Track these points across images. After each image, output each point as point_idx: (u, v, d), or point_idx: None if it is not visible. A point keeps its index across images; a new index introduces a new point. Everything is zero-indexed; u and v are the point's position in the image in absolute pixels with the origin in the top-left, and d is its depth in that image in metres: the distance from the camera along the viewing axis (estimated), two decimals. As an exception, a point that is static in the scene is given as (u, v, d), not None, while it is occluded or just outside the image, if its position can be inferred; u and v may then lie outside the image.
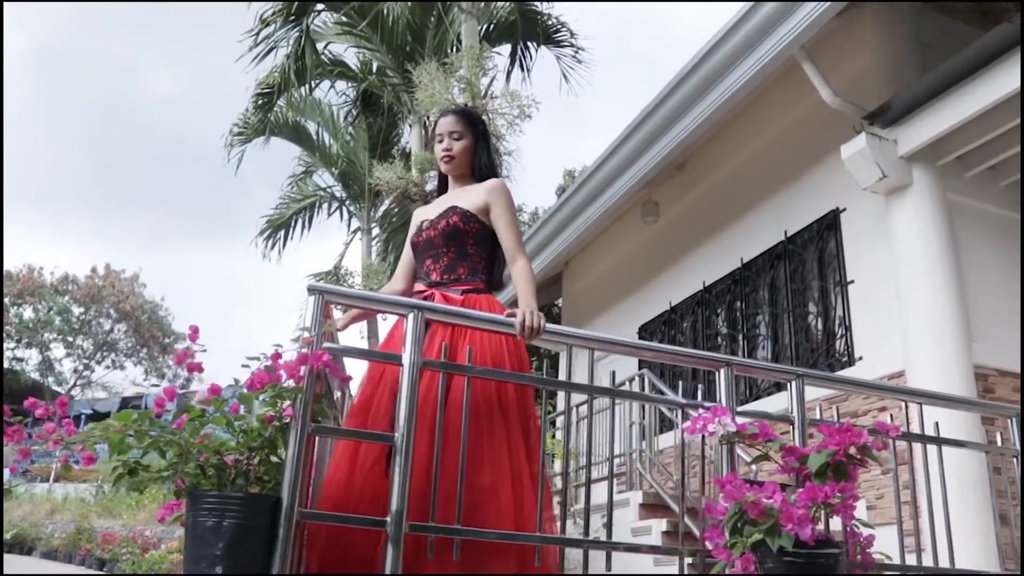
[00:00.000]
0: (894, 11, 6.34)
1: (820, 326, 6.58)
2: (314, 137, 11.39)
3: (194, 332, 2.01)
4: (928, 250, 5.47)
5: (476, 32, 6.60)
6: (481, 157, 2.81)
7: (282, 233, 11.92)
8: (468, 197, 2.71)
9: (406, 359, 2.03)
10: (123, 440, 1.74)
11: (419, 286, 2.62)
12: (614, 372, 2.54)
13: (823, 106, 6.28)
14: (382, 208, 11.41)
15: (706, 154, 8.22)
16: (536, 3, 8.28)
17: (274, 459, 1.98)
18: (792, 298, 6.91)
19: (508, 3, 8.32)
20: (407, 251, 2.83)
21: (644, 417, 6.05)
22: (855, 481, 2.14)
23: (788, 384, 2.45)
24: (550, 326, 2.29)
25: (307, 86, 8.71)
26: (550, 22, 8.54)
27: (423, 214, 2.81)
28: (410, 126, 8.70)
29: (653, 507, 5.78)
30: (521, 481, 2.21)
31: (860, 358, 5.98)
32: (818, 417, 2.51)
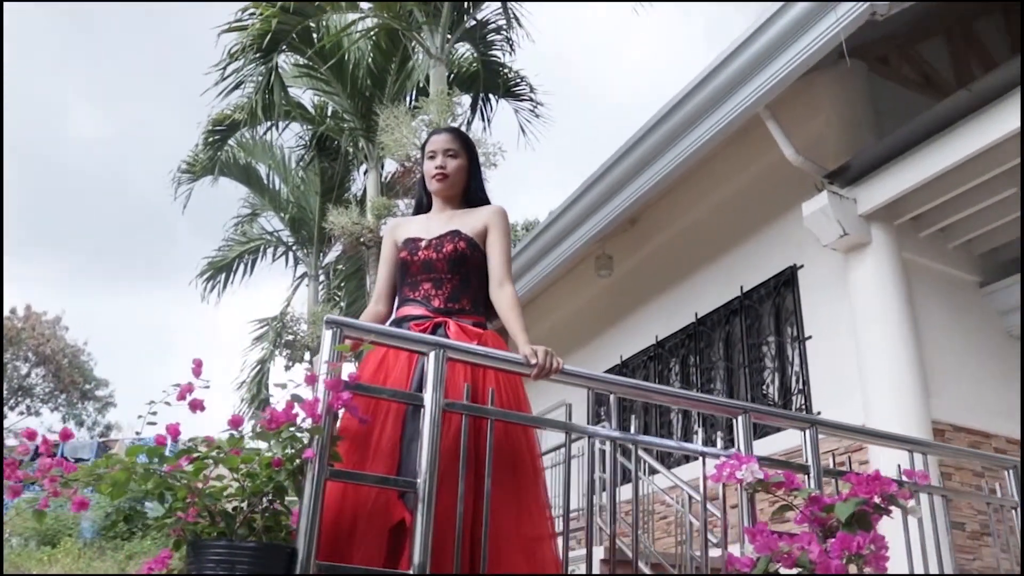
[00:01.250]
0: (848, 78, 6.56)
1: (777, 381, 6.63)
2: (264, 180, 11.17)
3: (197, 366, 1.85)
4: (887, 307, 5.58)
5: (444, 77, 6.59)
6: (474, 180, 2.70)
7: (223, 276, 11.58)
8: (468, 222, 2.58)
9: (428, 400, 1.90)
10: (129, 479, 1.56)
11: (416, 310, 2.44)
12: (633, 418, 2.45)
13: (779, 165, 6.43)
14: (331, 254, 11.21)
15: (660, 209, 8.30)
16: (498, 52, 8.34)
17: (276, 506, 1.83)
18: (748, 353, 6.96)
19: (471, 53, 8.37)
20: (387, 271, 2.63)
21: (604, 469, 5.94)
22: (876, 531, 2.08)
23: (803, 432, 2.42)
24: (567, 367, 2.21)
25: (274, 124, 8.51)
26: (510, 75, 8.61)
27: (409, 230, 2.62)
28: (366, 172, 8.59)
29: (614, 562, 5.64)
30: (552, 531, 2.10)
31: (819, 413, 6.02)
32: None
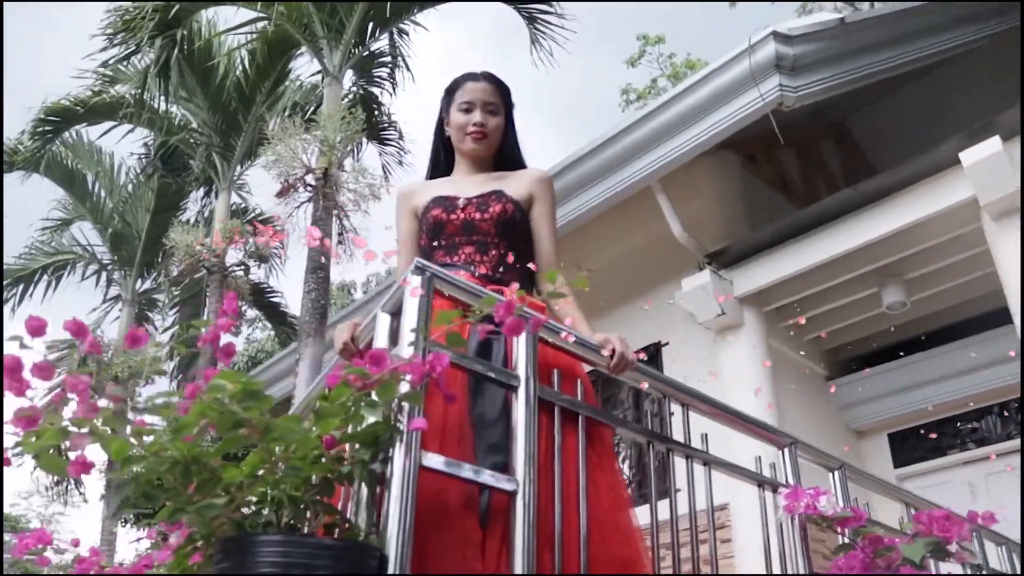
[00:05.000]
0: (723, 168, 6.86)
1: (633, 457, 6.56)
2: (90, 187, 9.86)
3: (232, 300, 1.40)
4: (755, 388, 5.70)
5: (339, 96, 6.15)
6: (509, 139, 2.30)
7: (21, 288, 10.01)
8: (511, 185, 2.19)
9: (523, 384, 1.53)
10: (196, 424, 1.05)
11: (456, 275, 1.90)
12: (705, 434, 2.20)
13: (652, 243, 6.54)
14: (149, 281, 10.06)
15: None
16: (379, 89, 8.01)
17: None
18: (604, 426, 6.86)
19: (356, 89, 7.95)
20: (412, 249, 2.21)
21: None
22: None
23: (832, 472, 2.30)
24: (642, 367, 1.94)
25: (126, 118, 7.47)
26: (382, 118, 8.27)
27: (434, 190, 2.21)
28: (207, 193, 7.84)
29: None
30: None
31: (679, 490, 5.97)
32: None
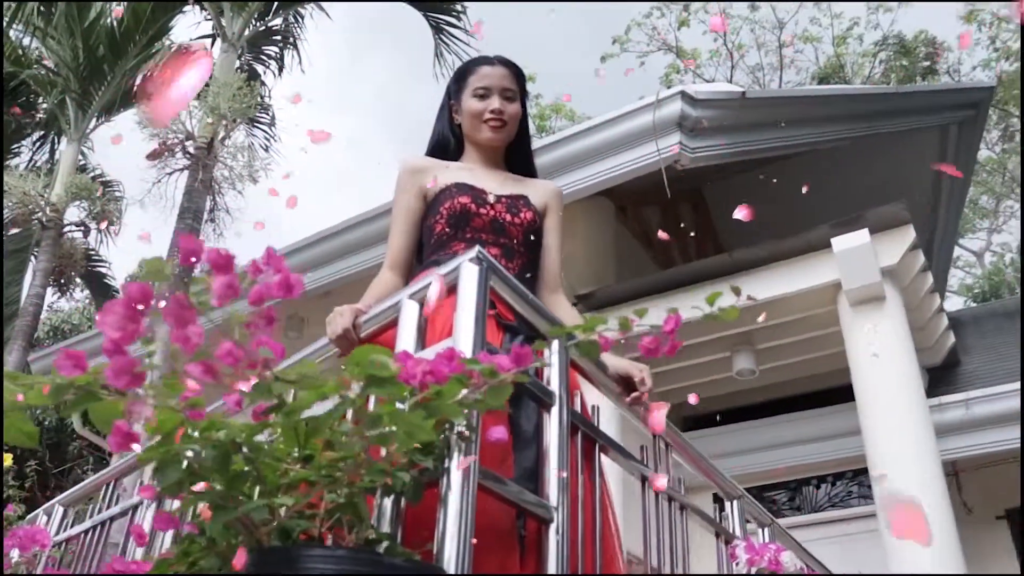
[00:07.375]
0: (599, 213, 7.02)
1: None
2: None
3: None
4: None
5: (233, 66, 5.69)
6: (524, 129, 2.15)
7: None
8: (533, 193, 2.06)
9: (556, 402, 1.42)
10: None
11: None
12: (681, 478, 2.13)
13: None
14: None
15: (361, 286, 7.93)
16: (263, 68, 7.54)
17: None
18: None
19: (241, 62, 7.44)
20: (409, 228, 2.00)
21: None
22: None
23: (762, 529, 2.32)
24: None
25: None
26: (258, 99, 7.78)
27: (451, 175, 2.00)
28: (60, 141, 7.03)
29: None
30: None
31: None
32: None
